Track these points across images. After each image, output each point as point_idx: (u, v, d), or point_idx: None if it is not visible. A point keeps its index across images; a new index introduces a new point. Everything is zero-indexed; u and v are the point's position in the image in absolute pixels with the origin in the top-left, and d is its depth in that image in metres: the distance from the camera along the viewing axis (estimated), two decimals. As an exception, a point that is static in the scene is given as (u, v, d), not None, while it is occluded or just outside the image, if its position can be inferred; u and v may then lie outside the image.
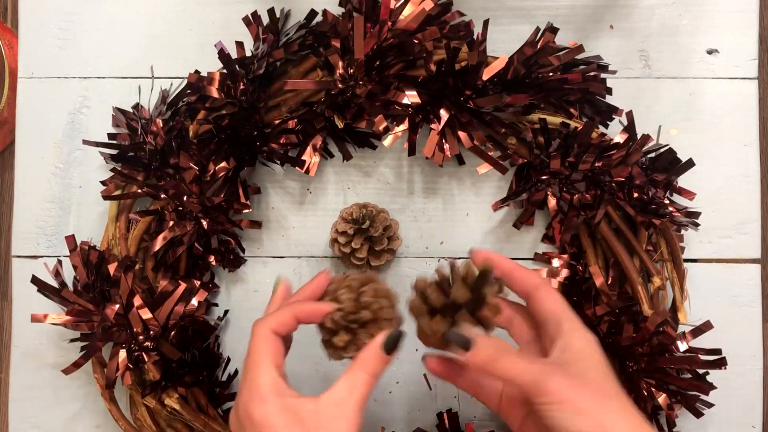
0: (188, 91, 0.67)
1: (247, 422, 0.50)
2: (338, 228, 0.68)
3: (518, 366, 0.50)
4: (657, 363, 0.65)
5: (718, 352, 0.67)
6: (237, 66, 0.66)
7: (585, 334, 0.53)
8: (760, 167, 0.73)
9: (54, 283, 0.68)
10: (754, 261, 0.73)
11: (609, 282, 0.68)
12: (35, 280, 0.67)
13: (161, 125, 0.67)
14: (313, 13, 0.69)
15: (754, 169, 0.73)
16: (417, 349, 0.73)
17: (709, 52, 0.73)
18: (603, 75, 0.68)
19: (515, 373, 0.50)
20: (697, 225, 0.69)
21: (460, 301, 0.52)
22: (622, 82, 0.73)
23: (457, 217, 0.73)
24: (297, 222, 0.74)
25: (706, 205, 0.72)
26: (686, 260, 0.72)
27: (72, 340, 0.69)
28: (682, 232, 0.70)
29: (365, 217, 0.67)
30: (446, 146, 0.67)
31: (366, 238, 0.68)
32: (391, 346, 0.53)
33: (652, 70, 0.73)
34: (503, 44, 0.72)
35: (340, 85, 0.66)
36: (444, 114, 0.67)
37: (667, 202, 0.68)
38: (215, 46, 0.66)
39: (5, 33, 0.74)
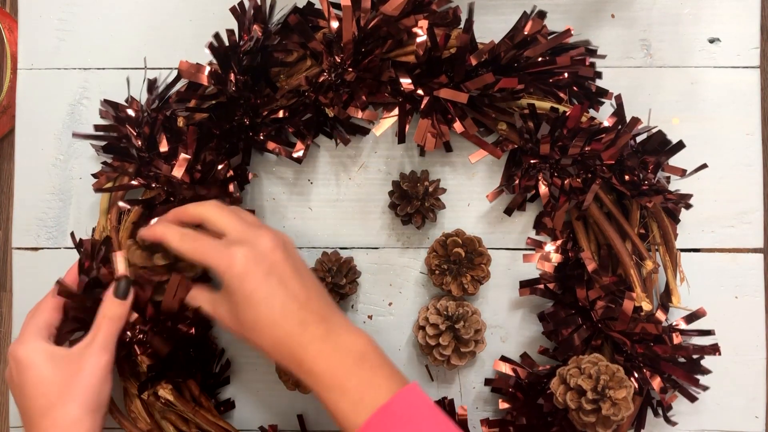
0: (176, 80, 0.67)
1: (12, 362, 0.62)
2: (429, 318, 0.68)
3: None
4: (649, 349, 0.66)
5: (710, 332, 0.68)
6: (229, 53, 0.66)
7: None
8: (762, 156, 0.73)
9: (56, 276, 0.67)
10: (756, 251, 0.72)
11: (601, 266, 0.68)
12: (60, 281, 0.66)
13: (149, 109, 0.67)
14: (296, 10, 0.69)
15: (756, 158, 0.72)
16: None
17: (711, 41, 0.73)
18: (597, 60, 0.68)
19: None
20: (689, 206, 0.69)
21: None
22: (624, 72, 0.73)
23: (451, 203, 0.73)
24: (297, 213, 0.74)
25: (708, 195, 0.72)
26: (688, 250, 0.72)
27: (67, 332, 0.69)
28: (680, 220, 0.70)
29: (460, 316, 0.67)
30: (437, 131, 0.68)
31: (455, 336, 0.67)
32: (122, 292, 0.64)
33: (653, 60, 0.73)
34: (503, 34, 0.72)
35: (327, 73, 0.67)
36: (435, 98, 0.67)
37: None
38: (212, 36, 0.66)
39: (5, 18, 0.74)
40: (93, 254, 0.67)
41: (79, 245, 0.68)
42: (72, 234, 0.70)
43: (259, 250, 0.60)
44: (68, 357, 0.61)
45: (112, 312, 0.64)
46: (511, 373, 0.70)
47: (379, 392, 0.56)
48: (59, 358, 0.61)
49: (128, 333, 0.65)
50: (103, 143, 0.70)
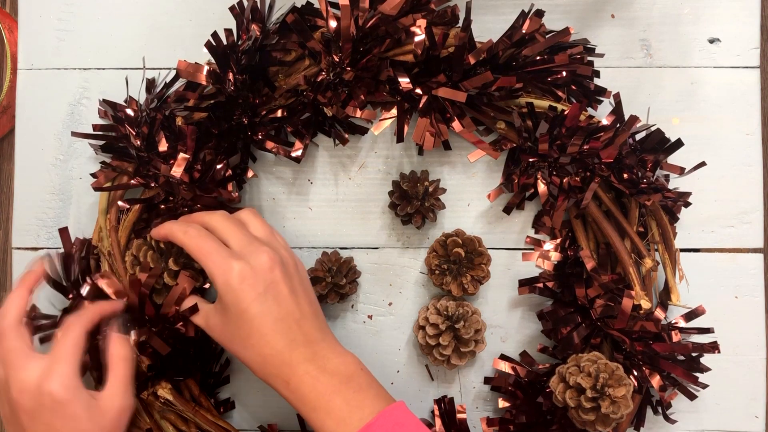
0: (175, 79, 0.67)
1: (45, 396, 0.56)
2: (429, 318, 0.68)
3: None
4: (648, 347, 0.66)
5: (709, 330, 0.68)
6: (228, 52, 0.66)
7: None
8: (762, 156, 0.72)
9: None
10: (756, 251, 0.72)
11: (600, 265, 0.68)
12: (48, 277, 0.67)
13: (148, 109, 0.67)
14: (294, 9, 0.69)
15: (756, 159, 0.72)
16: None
17: (711, 41, 0.73)
18: (597, 60, 0.68)
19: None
20: (687, 204, 0.69)
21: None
22: (624, 72, 0.72)
23: (450, 203, 0.73)
24: (296, 213, 0.74)
25: (708, 195, 0.72)
26: (688, 250, 0.72)
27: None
28: (679, 219, 0.70)
29: (460, 316, 0.67)
30: (435, 130, 0.68)
31: (455, 336, 0.67)
32: (125, 326, 0.64)
33: (653, 60, 0.73)
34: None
35: (325, 73, 0.67)
36: (433, 97, 0.67)
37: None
38: (211, 36, 0.66)
39: (5, 18, 0.74)
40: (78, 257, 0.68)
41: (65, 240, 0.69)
42: (63, 230, 0.70)
43: (257, 267, 0.60)
44: (95, 404, 0.58)
45: (126, 351, 0.62)
46: (510, 371, 0.70)
47: (364, 412, 0.57)
48: (88, 403, 0.58)
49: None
50: (102, 143, 0.70)
